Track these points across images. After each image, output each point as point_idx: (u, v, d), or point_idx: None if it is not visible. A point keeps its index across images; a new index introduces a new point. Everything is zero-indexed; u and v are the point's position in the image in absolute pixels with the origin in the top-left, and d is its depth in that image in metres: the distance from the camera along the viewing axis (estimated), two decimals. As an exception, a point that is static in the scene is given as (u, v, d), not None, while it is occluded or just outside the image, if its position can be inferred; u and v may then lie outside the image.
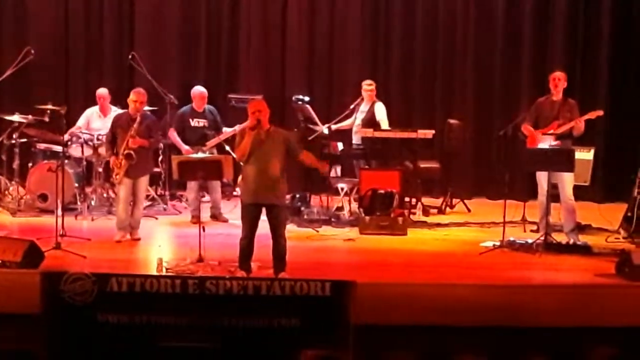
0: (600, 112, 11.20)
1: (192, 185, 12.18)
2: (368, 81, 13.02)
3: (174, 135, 12.61)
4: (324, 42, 14.91)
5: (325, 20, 14.88)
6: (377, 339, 8.36)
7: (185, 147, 12.39)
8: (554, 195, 11.18)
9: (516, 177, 12.39)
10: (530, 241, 10.84)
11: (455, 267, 10.20)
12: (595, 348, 7.54)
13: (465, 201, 13.66)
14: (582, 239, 11.18)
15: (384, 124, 12.75)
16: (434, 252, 10.99)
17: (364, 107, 12.90)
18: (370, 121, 12.76)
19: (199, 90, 12.73)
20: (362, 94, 12.95)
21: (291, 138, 9.61)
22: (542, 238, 10.74)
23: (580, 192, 11.97)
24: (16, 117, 12.66)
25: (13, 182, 12.78)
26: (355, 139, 12.91)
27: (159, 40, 14.85)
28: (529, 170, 11.72)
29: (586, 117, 11.07)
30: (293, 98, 13.18)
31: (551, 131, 11.11)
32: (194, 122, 12.58)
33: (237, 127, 11.12)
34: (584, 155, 12.13)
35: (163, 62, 14.68)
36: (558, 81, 11.21)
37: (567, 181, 11.05)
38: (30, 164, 12.76)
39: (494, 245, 10.86)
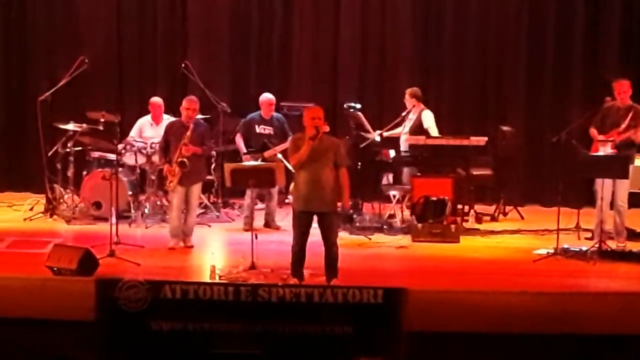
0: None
1: (248, 192, 12.22)
2: (408, 90, 12.98)
3: (239, 141, 12.67)
4: (376, 49, 14.91)
5: (377, 27, 14.89)
6: (429, 346, 8.34)
7: (243, 152, 12.45)
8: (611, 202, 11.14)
9: (570, 184, 12.27)
10: (584, 249, 10.75)
11: (508, 275, 10.16)
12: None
13: (519, 208, 13.58)
14: (637, 246, 11.07)
15: (433, 130, 12.70)
16: (487, 260, 10.93)
17: (412, 115, 12.86)
18: (418, 129, 12.72)
19: (266, 97, 12.75)
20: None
21: (340, 147, 9.59)
22: (597, 245, 10.65)
23: (635, 199, 11.86)
24: (71, 126, 12.80)
25: (68, 191, 12.90)
26: (403, 147, 12.87)
27: (211, 49, 14.94)
28: (584, 177, 11.64)
29: (632, 130, 10.97)
30: (345, 105, 13.18)
31: (611, 139, 11.04)
32: (259, 129, 12.61)
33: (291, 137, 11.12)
34: (639, 162, 12.01)
35: (215, 70, 14.76)
36: (623, 88, 11.13)
37: (621, 187, 10.98)
38: (84, 173, 12.90)
39: (547, 252, 10.79)
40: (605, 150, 11.05)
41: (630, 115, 11.03)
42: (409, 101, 12.84)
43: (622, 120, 11.06)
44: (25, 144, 14.55)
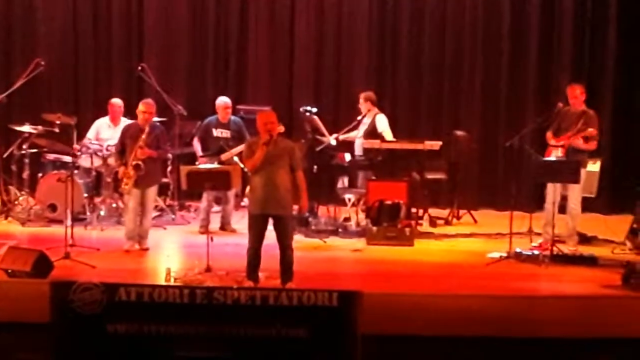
0: (593, 132, 11.17)
1: (205, 195, 12.22)
2: (362, 94, 13.04)
3: (196, 144, 12.69)
4: (331, 53, 14.97)
5: (333, 31, 14.95)
6: (384, 349, 8.40)
7: (199, 155, 12.47)
8: (561, 206, 11.26)
9: (523, 188, 12.40)
10: (536, 252, 10.87)
11: (462, 278, 10.24)
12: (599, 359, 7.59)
13: (472, 212, 13.67)
14: (588, 250, 11.23)
15: (387, 134, 12.77)
16: (441, 263, 11.02)
17: (366, 119, 12.91)
18: (372, 133, 12.78)
19: (223, 101, 12.77)
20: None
21: (296, 150, 9.65)
22: (535, 245, 10.84)
23: (586, 204, 12.01)
24: (26, 128, 12.74)
25: (23, 192, 12.85)
26: (358, 150, 12.93)
27: (168, 51, 14.92)
28: (537, 182, 11.77)
29: (581, 134, 11.09)
30: (300, 109, 13.20)
31: (561, 143, 11.18)
32: (216, 133, 12.62)
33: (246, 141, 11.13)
34: (591, 167, 12.15)
35: (172, 73, 14.77)
36: (574, 93, 11.28)
37: (573, 190, 11.13)
38: (40, 175, 12.83)
39: (500, 256, 10.89)
40: (556, 154, 11.19)
41: (582, 120, 11.16)
42: (363, 105, 12.90)
43: (574, 124, 11.19)
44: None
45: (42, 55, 13.36)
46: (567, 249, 11.10)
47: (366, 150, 12.70)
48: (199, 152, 12.61)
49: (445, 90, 14.86)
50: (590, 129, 11.07)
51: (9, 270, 9.38)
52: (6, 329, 8.39)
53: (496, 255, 10.97)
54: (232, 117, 12.75)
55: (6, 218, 12.71)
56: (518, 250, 10.94)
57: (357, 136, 12.93)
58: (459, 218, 13.55)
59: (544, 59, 14.60)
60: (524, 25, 14.68)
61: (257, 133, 9.66)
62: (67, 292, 8.19)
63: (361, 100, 12.91)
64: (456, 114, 14.77)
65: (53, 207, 12.43)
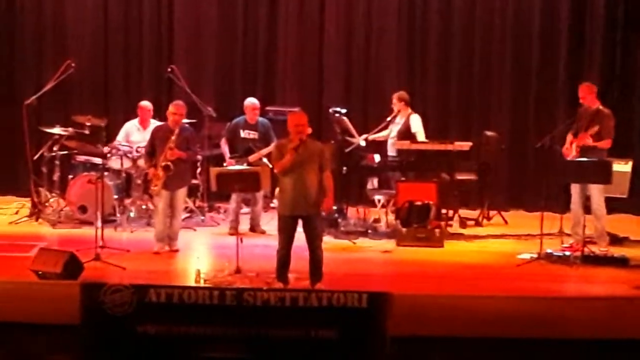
0: (594, 129, 11.09)
1: (234, 196, 12.24)
2: (395, 94, 13.00)
3: (224, 145, 12.70)
4: (361, 53, 14.94)
5: (362, 32, 14.91)
6: (413, 350, 8.38)
7: (228, 157, 12.49)
8: (587, 207, 11.20)
9: (553, 189, 12.33)
10: (567, 253, 10.81)
11: (492, 279, 10.21)
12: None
13: (502, 213, 13.62)
14: (620, 251, 11.16)
15: (420, 135, 12.73)
16: (471, 264, 10.98)
17: (399, 119, 12.87)
18: (406, 133, 12.74)
19: (251, 102, 12.78)
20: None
21: (325, 151, 9.66)
22: (566, 245, 10.81)
23: (617, 205, 11.94)
24: (57, 130, 12.81)
25: (53, 194, 12.90)
26: (391, 151, 12.89)
27: (197, 53, 14.94)
28: (565, 182, 11.70)
29: (589, 132, 11.05)
30: (330, 110, 13.19)
31: (574, 143, 11.16)
32: (244, 134, 12.64)
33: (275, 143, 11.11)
34: (622, 167, 12.04)
35: (201, 75, 14.79)
36: (582, 92, 11.27)
37: (594, 191, 11.07)
38: (70, 176, 12.88)
39: (531, 257, 10.85)
40: (571, 155, 11.14)
41: (596, 119, 11.10)
42: (396, 105, 12.84)
43: (587, 124, 11.15)
44: (11, 148, 14.50)
45: (73, 57, 13.40)
46: (598, 250, 11.03)
47: (399, 151, 12.65)
48: (227, 154, 12.62)
49: (475, 91, 14.79)
50: (594, 127, 11.01)
51: (40, 272, 9.43)
52: (37, 330, 8.43)
53: (527, 256, 10.92)
54: (260, 119, 12.76)
55: (37, 220, 12.76)
56: (549, 251, 10.89)
57: (389, 136, 12.89)
58: (489, 219, 13.50)
59: (574, 59, 14.50)
60: (554, 25, 14.58)
61: (284, 135, 9.66)
62: (98, 294, 8.22)
63: (394, 100, 12.87)
64: (486, 114, 14.70)
65: (83, 209, 12.48)
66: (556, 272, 10.46)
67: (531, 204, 13.78)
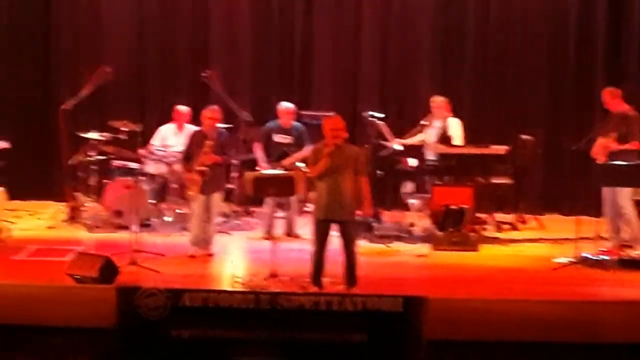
0: (613, 134, 11.05)
1: (268, 200, 12.26)
2: (434, 97, 12.95)
3: (258, 150, 12.72)
4: (396, 57, 14.94)
5: (397, 36, 14.91)
6: (449, 354, 8.36)
7: (262, 163, 12.51)
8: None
9: (589, 192, 12.25)
10: (603, 257, 10.74)
11: (528, 283, 10.15)
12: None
13: (538, 217, 13.56)
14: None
15: (458, 140, 12.69)
16: (507, 268, 10.94)
17: (438, 123, 12.84)
18: (445, 137, 12.71)
19: (285, 106, 12.80)
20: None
21: (360, 156, 9.66)
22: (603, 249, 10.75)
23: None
24: (93, 135, 12.88)
25: (90, 199, 12.97)
26: (429, 155, 12.86)
27: (233, 58, 14.99)
28: (603, 186, 11.62)
29: (609, 138, 11.01)
30: (364, 114, 13.18)
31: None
32: (277, 138, 12.67)
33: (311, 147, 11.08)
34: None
35: (237, 79, 14.81)
36: (604, 97, 11.26)
37: (619, 194, 11.01)
38: (106, 181, 12.95)
39: (567, 261, 10.79)
40: (600, 159, 11.08)
41: (623, 123, 11.04)
42: (435, 109, 12.82)
43: (612, 128, 11.09)
44: (48, 153, 14.63)
45: (109, 62, 13.49)
46: (634, 253, 10.95)
47: (439, 155, 12.60)
48: (261, 158, 12.63)
49: (510, 95, 14.74)
50: (613, 132, 10.96)
51: (76, 276, 9.48)
52: (73, 333, 8.48)
53: (563, 260, 10.86)
54: (294, 123, 12.77)
55: (73, 224, 12.84)
56: (585, 255, 10.81)
57: (428, 140, 12.84)
58: (524, 223, 13.43)
59: (611, 64, 14.41)
60: (591, 28, 14.51)
61: (318, 139, 9.67)
62: (133, 298, 8.27)
63: (433, 104, 12.85)
64: (522, 118, 14.64)
65: (119, 213, 12.53)
66: (592, 276, 10.38)
67: (567, 207, 13.70)
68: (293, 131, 12.70)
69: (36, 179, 14.92)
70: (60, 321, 8.58)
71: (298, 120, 13.01)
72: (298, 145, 12.57)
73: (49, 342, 8.55)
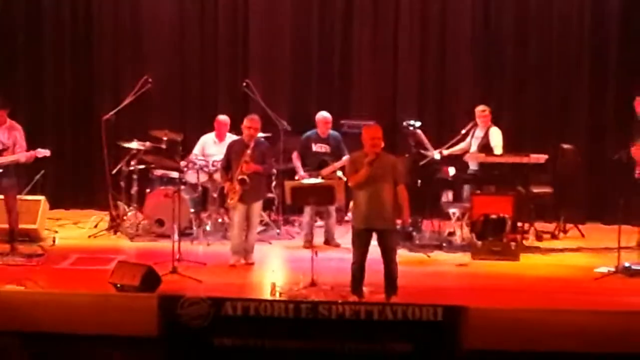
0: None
1: (307, 209, 12.29)
2: (481, 107, 12.91)
3: (296, 159, 12.76)
4: (435, 67, 14.91)
5: (436, 45, 14.89)
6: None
7: (301, 172, 12.54)
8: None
9: (631, 201, 12.18)
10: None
11: (569, 293, 10.11)
12: None
13: (579, 226, 13.48)
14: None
15: (498, 149, 12.65)
16: (547, 278, 10.89)
17: (479, 133, 12.81)
18: (486, 147, 12.67)
19: (322, 115, 12.85)
20: (475, 119, 12.88)
21: (398, 164, 9.68)
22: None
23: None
24: (134, 145, 12.98)
25: (131, 208, 13.07)
26: (472, 165, 12.83)
27: (272, 67, 15.03)
28: None
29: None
30: (404, 123, 13.17)
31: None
32: (315, 147, 12.72)
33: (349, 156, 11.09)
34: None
35: (276, 89, 14.86)
36: (636, 105, 11.17)
37: None
38: (147, 190, 13.05)
39: (608, 270, 10.73)
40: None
41: None
42: (477, 118, 12.79)
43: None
44: (90, 162, 14.75)
45: (149, 72, 13.58)
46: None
47: (481, 164, 12.57)
48: (299, 168, 12.67)
49: (551, 103, 14.67)
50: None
51: (118, 285, 9.55)
52: (115, 342, 8.54)
53: (604, 269, 10.81)
54: (331, 132, 12.81)
55: (115, 233, 12.95)
56: (627, 264, 10.74)
57: (470, 150, 12.81)
58: (565, 232, 13.36)
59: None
60: (632, 35, 14.41)
61: (355, 148, 9.67)
62: (175, 306, 8.33)
63: (476, 113, 12.83)
64: (562, 126, 14.56)
65: (160, 222, 12.62)
66: (634, 285, 10.32)
67: (608, 216, 13.59)
68: (331, 140, 12.74)
69: (79, 188, 15.06)
70: (103, 329, 8.64)
71: (337, 129, 13.04)
72: (336, 154, 12.61)
73: (92, 351, 8.59)
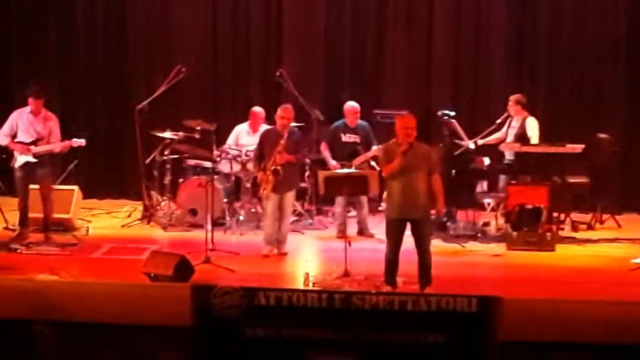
0: None
1: (339, 199, 12.25)
2: (514, 97, 12.80)
3: (325, 150, 12.71)
4: (470, 56, 14.83)
5: (471, 34, 14.80)
6: (523, 355, 8.27)
7: (332, 163, 12.48)
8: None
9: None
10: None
11: (605, 284, 10.04)
12: None
13: (616, 216, 13.37)
14: None
15: (534, 139, 12.54)
16: (583, 268, 10.82)
17: (515, 123, 12.71)
18: (522, 136, 12.57)
19: (351, 105, 12.80)
20: (508, 109, 12.77)
21: (432, 154, 9.63)
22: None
23: None
24: (167, 134, 12.99)
25: (164, 198, 13.09)
26: (507, 155, 12.72)
27: (305, 57, 14.99)
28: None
29: None
30: (439, 113, 13.10)
31: None
32: (345, 138, 12.66)
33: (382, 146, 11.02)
34: None
35: (309, 78, 14.82)
36: None
37: None
38: (180, 180, 13.06)
39: (645, 261, 10.65)
40: None
41: None
42: (512, 108, 12.69)
43: None
44: (123, 152, 14.79)
45: (183, 62, 13.59)
46: None
47: (517, 154, 12.47)
48: (329, 158, 12.59)
49: (586, 92, 14.55)
50: None
51: (152, 274, 9.56)
52: (148, 332, 8.54)
53: (641, 260, 10.72)
54: (360, 122, 12.75)
55: (149, 223, 12.98)
56: (664, 255, 10.67)
57: (507, 139, 12.71)
58: (602, 222, 13.25)
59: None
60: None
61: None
62: (208, 296, 8.30)
63: (511, 103, 12.71)
64: (598, 116, 14.44)
65: (194, 212, 12.63)
66: (672, 277, 10.23)
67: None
68: (359, 130, 12.69)
69: (112, 178, 15.12)
70: (135, 319, 8.64)
71: (370, 119, 12.99)
72: (365, 143, 12.56)
73: (125, 340, 8.60)
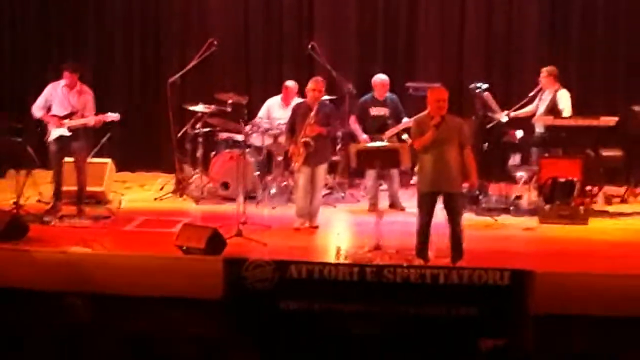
0: None
1: (371, 173, 12.21)
2: (546, 69, 12.68)
3: (354, 124, 12.68)
4: (502, 28, 14.72)
5: (503, 6, 14.70)
6: (556, 329, 8.25)
7: (362, 136, 12.44)
8: None
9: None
10: None
11: (638, 258, 9.95)
12: None
13: (650, 190, 13.29)
14: None
15: (567, 112, 12.44)
16: (616, 242, 10.74)
17: (547, 95, 12.61)
18: (554, 109, 12.48)
19: (380, 78, 12.74)
20: (539, 81, 12.68)
21: (464, 127, 9.59)
22: None
23: None
24: (200, 107, 12.99)
25: (197, 171, 13.12)
26: (538, 127, 12.64)
27: (338, 29, 14.95)
28: None
29: None
30: (471, 86, 13.02)
31: None
32: (374, 111, 12.61)
33: (414, 119, 11.00)
34: None
35: (341, 51, 14.77)
36: None
37: None
38: (213, 153, 13.07)
39: (678, 235, 10.57)
40: None
41: None
42: (544, 80, 12.57)
43: None
44: (155, 125, 14.82)
45: (215, 35, 13.59)
46: None
47: (547, 127, 12.39)
48: (359, 131, 12.53)
49: (620, 65, 14.43)
50: None
51: (184, 247, 9.60)
52: (180, 304, 8.59)
53: (674, 234, 10.65)
54: (388, 94, 12.66)
55: (181, 196, 13.01)
56: (698, 229, 10.58)
57: (537, 112, 12.62)
58: (635, 196, 13.16)
59: None
60: None
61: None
62: (240, 269, 8.34)
63: (543, 74, 12.61)
64: (632, 88, 14.31)
65: (225, 185, 12.66)
66: None
67: (680, 180, 13.38)
68: (388, 103, 12.61)
69: (145, 151, 15.15)
70: (168, 292, 8.70)
71: (402, 92, 12.93)
72: (394, 116, 12.49)
73: (157, 313, 8.65)
